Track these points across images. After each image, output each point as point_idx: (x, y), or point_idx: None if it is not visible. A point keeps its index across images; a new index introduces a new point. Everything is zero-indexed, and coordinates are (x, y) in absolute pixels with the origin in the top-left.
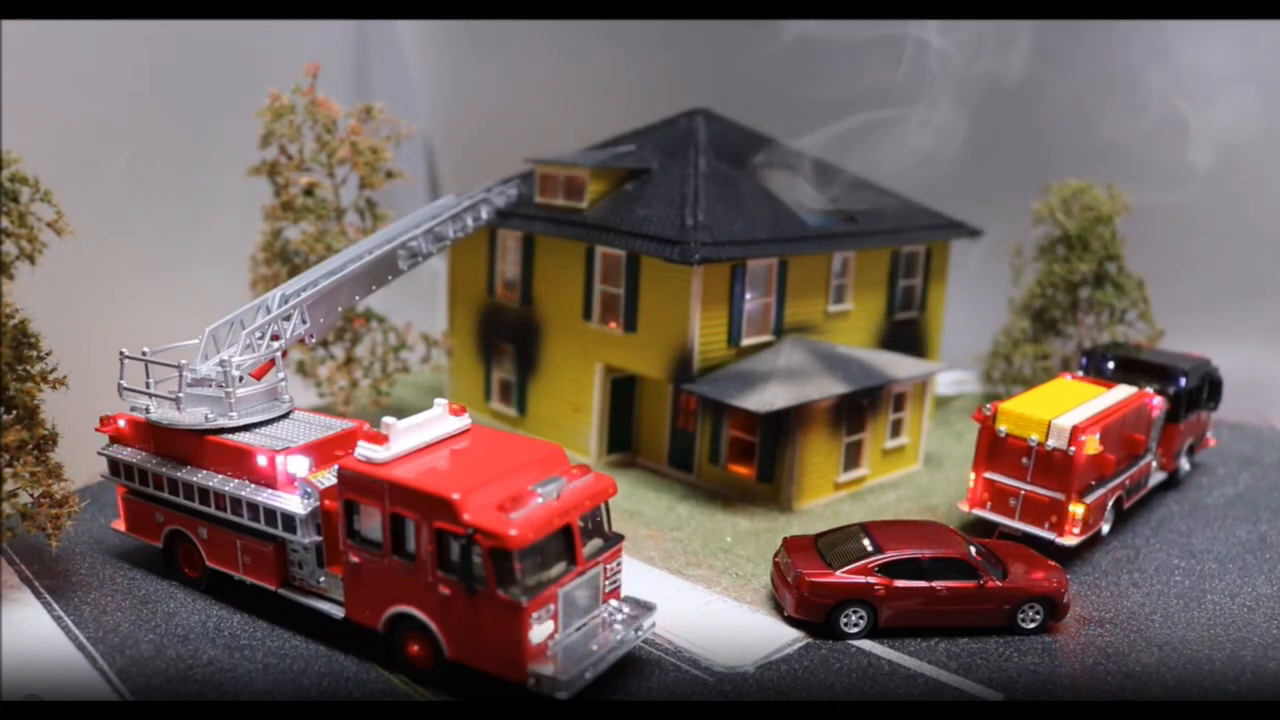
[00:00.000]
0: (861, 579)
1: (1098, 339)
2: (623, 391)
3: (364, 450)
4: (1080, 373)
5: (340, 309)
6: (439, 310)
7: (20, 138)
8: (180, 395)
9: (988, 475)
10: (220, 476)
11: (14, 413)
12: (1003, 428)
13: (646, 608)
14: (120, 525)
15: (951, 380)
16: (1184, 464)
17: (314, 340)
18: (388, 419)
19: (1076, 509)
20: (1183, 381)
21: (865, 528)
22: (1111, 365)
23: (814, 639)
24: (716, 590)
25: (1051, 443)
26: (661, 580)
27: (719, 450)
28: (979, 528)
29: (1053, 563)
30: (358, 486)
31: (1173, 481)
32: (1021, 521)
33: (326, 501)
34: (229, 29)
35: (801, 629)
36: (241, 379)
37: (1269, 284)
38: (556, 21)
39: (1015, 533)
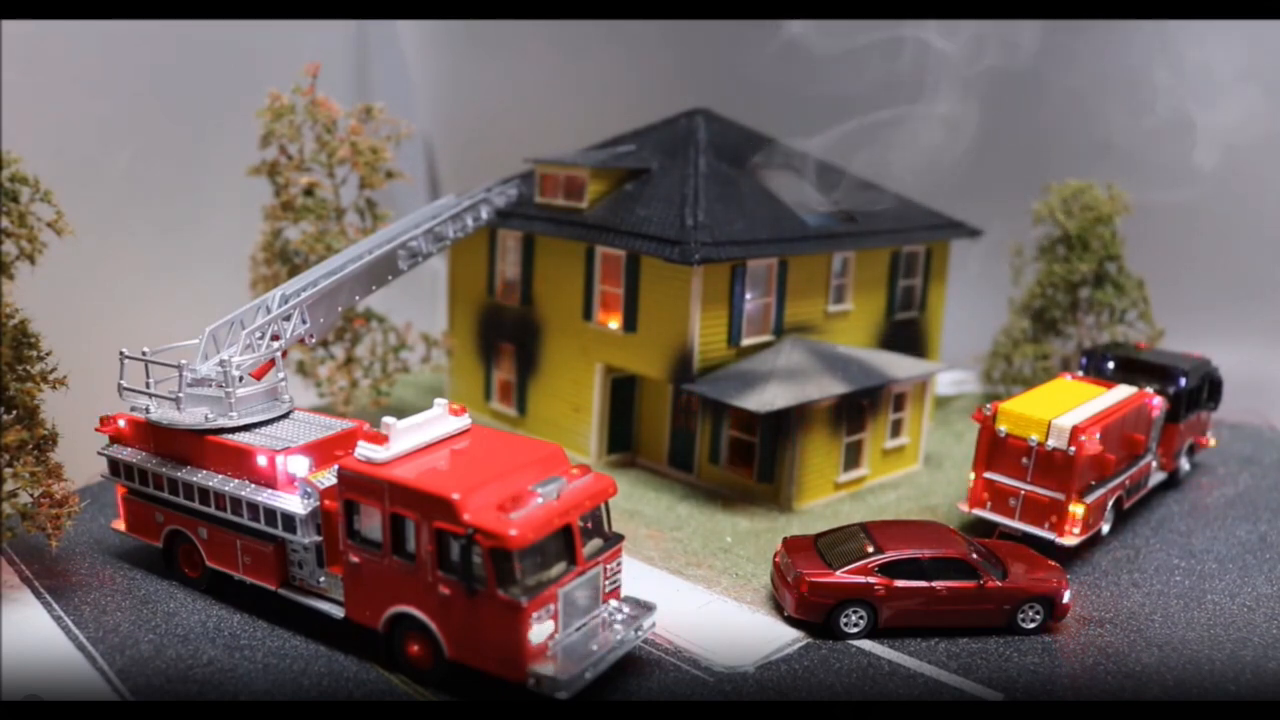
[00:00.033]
0: (861, 579)
1: (1098, 339)
2: (623, 391)
3: (364, 450)
4: (1080, 373)
5: (340, 309)
6: (439, 310)
7: (20, 138)
8: (180, 395)
9: (988, 475)
10: (220, 476)
11: (14, 413)
12: (1003, 428)
13: (646, 608)
14: (120, 525)
15: (951, 380)
16: (1184, 464)
17: (314, 340)
18: (388, 419)
19: (1076, 509)
20: (1183, 381)
21: (865, 528)
22: (1111, 365)
23: (814, 639)
24: (716, 590)
25: (1051, 443)
26: (661, 580)
27: (719, 450)
28: (979, 528)
29: (1053, 563)
30: (358, 486)
31: (1173, 481)
32: (1021, 521)
33: (326, 501)
34: (229, 29)
35: (801, 629)
36: (241, 379)
37: (1269, 284)
38: (556, 21)
39: (1015, 533)
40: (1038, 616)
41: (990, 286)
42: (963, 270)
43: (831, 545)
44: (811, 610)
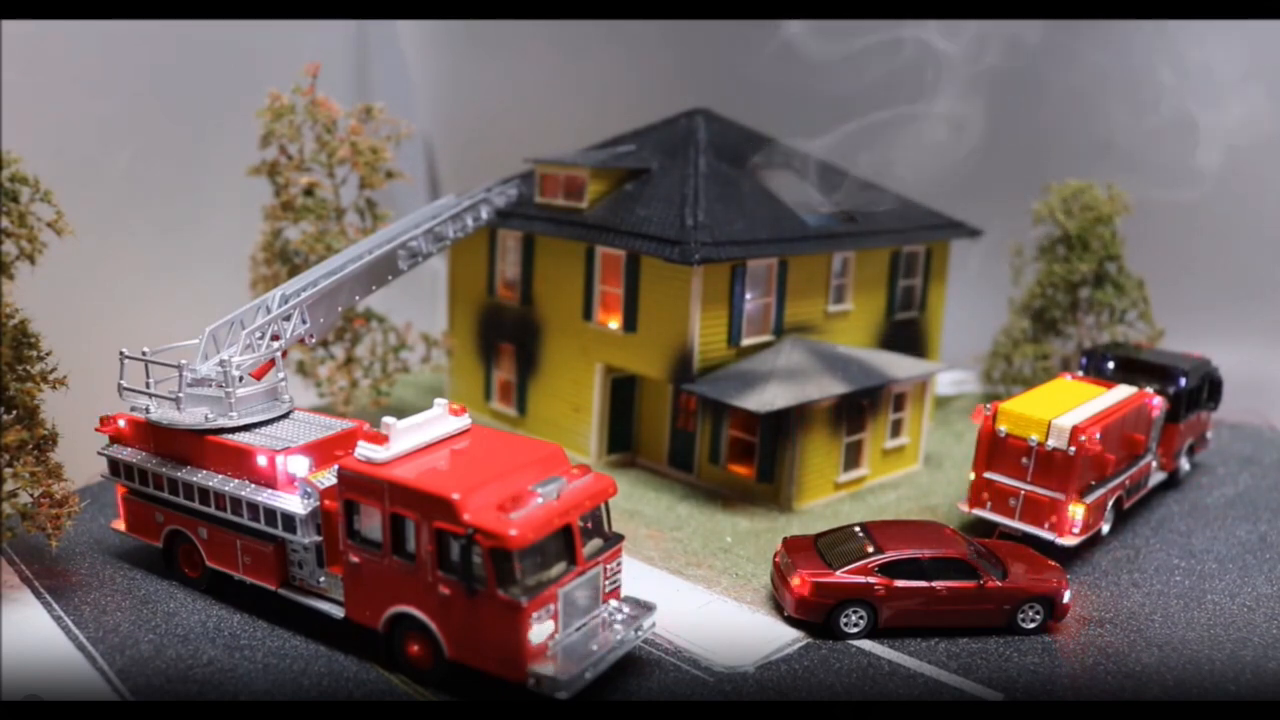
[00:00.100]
0: (861, 579)
1: (1098, 339)
2: (623, 391)
3: (364, 450)
4: (1080, 373)
5: (340, 309)
6: (439, 310)
7: (20, 138)
8: (180, 395)
9: (988, 475)
10: (220, 476)
11: (14, 413)
12: (1003, 428)
13: (646, 608)
14: (120, 525)
15: (951, 380)
16: (1184, 464)
17: (314, 340)
18: (388, 419)
19: (1076, 509)
20: (1183, 381)
21: (865, 528)
22: (1111, 365)
23: (814, 639)
24: (716, 590)
25: (1051, 443)
26: (661, 580)
27: (719, 450)
28: (979, 528)
29: (1053, 563)
30: (358, 486)
31: (1173, 481)
32: (1021, 521)
33: (326, 501)
34: (229, 29)
35: (801, 629)
36: (241, 379)
37: (1269, 284)
38: (556, 21)
39: (1015, 533)
40: (1038, 616)
41: (990, 286)
42: (963, 270)
43: (831, 545)
44: (811, 610)
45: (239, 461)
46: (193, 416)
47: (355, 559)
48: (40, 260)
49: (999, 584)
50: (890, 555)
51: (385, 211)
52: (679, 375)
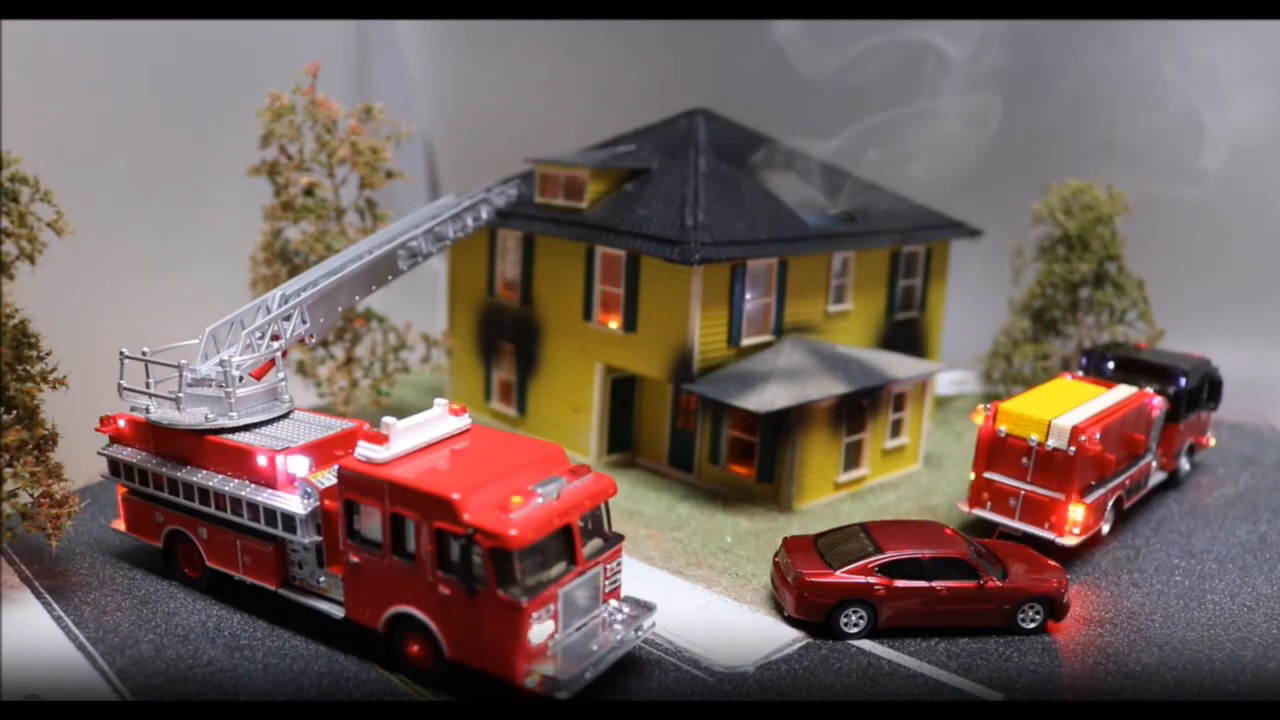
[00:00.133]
0: (861, 579)
1: (1098, 339)
2: (623, 391)
3: (364, 450)
4: (1080, 373)
5: (340, 309)
6: (439, 310)
7: (20, 138)
8: (180, 395)
9: (988, 475)
10: (220, 476)
11: (14, 413)
12: (1003, 428)
13: (646, 608)
14: (120, 525)
15: (951, 380)
16: (1184, 464)
17: (314, 340)
18: (388, 419)
19: (1076, 509)
20: (1183, 381)
21: (865, 528)
22: (1111, 365)
23: (814, 639)
24: (716, 590)
25: (1051, 443)
26: (661, 580)
27: (719, 450)
28: (979, 528)
29: (1053, 563)
30: (358, 486)
31: (1173, 481)
32: (1021, 521)
33: (326, 501)
34: (229, 29)
35: (801, 629)
36: (241, 379)
37: (1269, 284)
38: (556, 21)
39: (1015, 533)
40: (1038, 616)
41: (990, 286)
42: (963, 270)
43: (831, 545)
44: (811, 610)
45: (239, 461)
46: (193, 416)
47: (355, 559)
48: (40, 260)
49: (999, 584)
50: (890, 555)
51: (385, 211)
52: (679, 375)
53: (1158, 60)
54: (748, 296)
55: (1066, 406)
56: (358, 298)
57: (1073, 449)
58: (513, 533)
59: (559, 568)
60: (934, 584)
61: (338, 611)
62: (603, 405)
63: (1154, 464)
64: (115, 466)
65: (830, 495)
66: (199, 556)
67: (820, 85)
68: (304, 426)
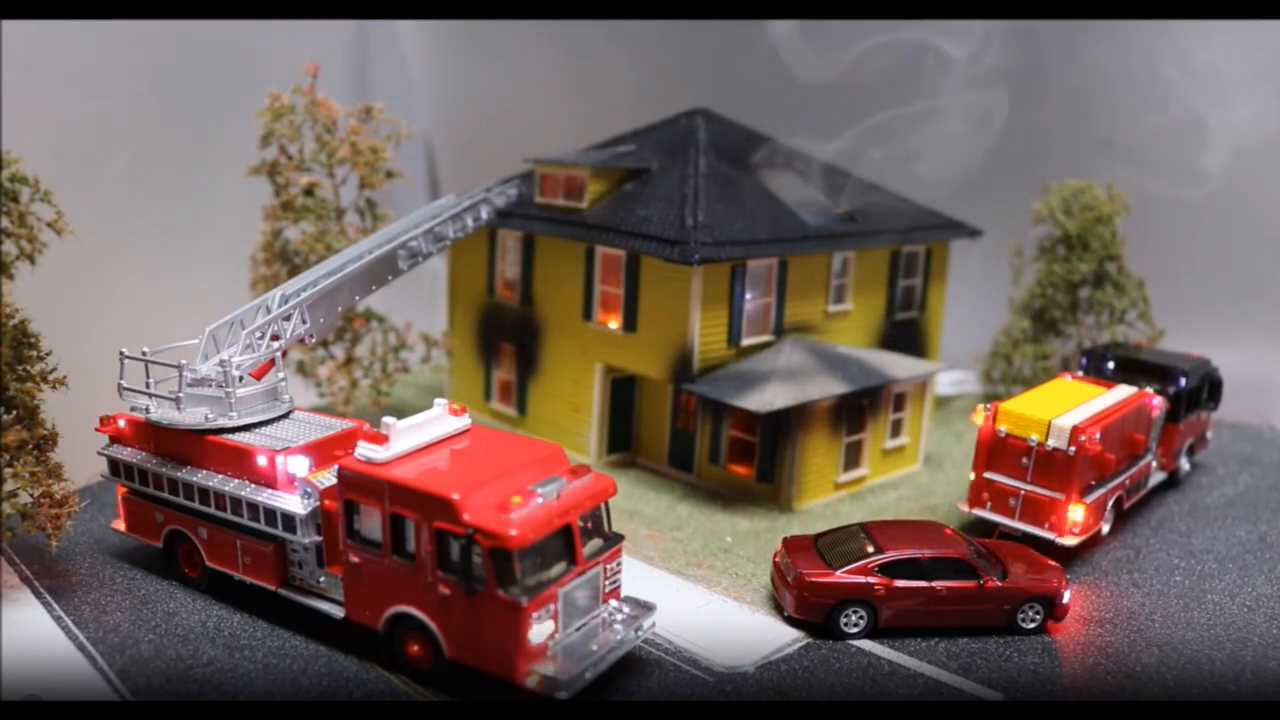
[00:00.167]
0: (861, 579)
1: (1098, 339)
2: (623, 391)
3: (364, 450)
4: (1080, 373)
5: (340, 309)
6: (439, 310)
7: (20, 138)
8: (180, 395)
9: (988, 475)
10: (220, 476)
11: (14, 413)
12: (1003, 428)
13: (646, 608)
14: (120, 525)
15: (951, 380)
16: (1184, 464)
17: (314, 340)
18: (388, 419)
19: (1076, 509)
20: (1183, 381)
21: (865, 528)
22: (1111, 365)
23: (814, 639)
24: (716, 590)
25: (1051, 443)
26: (661, 580)
27: (719, 450)
28: (979, 528)
29: (1053, 563)
30: (358, 486)
31: (1173, 481)
32: (1021, 521)
33: (326, 501)
34: (229, 29)
35: (801, 629)
36: (241, 379)
37: (1269, 284)
38: (556, 21)
39: (1015, 533)
40: (1038, 616)
41: (990, 286)
42: (963, 270)
43: (831, 545)
44: (811, 610)
45: (239, 461)
46: (193, 416)
47: (355, 559)
48: (40, 260)
49: (999, 584)
50: (890, 555)
51: (385, 211)
52: (679, 375)
53: (1159, 60)
54: (748, 296)
55: (1066, 406)
56: (358, 298)
57: (1073, 449)
58: (513, 533)
59: (559, 568)
60: (934, 584)
61: (338, 611)
62: (603, 405)
63: (1154, 464)
64: (115, 466)
65: (830, 495)
66: (199, 556)
67: (819, 86)
68: (304, 426)
